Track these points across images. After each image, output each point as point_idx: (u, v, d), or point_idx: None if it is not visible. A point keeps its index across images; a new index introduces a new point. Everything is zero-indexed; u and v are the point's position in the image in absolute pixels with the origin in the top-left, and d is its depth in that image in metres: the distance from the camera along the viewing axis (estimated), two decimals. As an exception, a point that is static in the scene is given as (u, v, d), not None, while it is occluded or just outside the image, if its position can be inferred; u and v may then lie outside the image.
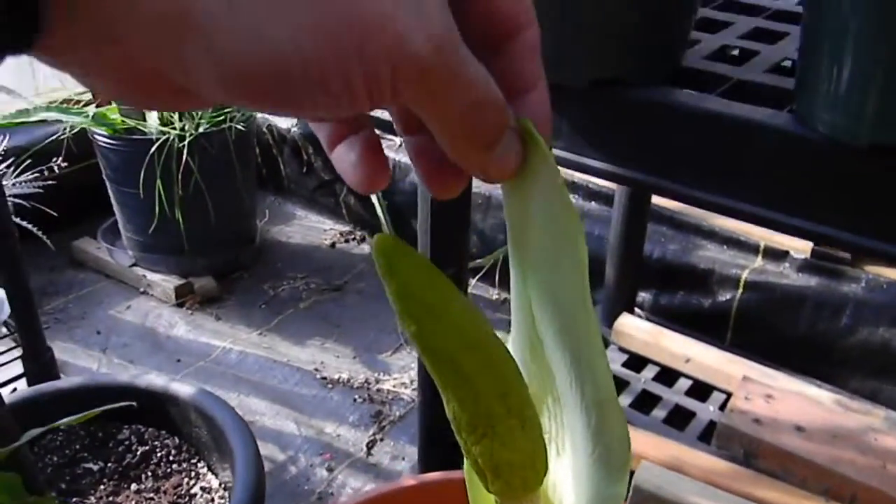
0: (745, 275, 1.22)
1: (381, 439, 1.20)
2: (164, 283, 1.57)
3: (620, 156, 0.55)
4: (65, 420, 0.63)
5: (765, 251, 1.24)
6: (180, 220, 1.48)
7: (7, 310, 1.15)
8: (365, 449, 1.18)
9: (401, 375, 1.35)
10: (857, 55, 0.43)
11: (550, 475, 0.41)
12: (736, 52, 0.60)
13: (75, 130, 1.49)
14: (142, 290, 1.60)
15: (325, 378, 1.34)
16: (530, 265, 0.33)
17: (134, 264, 1.61)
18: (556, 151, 0.58)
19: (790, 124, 0.49)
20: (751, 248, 1.25)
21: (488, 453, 0.33)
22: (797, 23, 0.52)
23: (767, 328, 1.21)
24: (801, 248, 1.22)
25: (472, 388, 0.31)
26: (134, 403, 0.71)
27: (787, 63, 0.58)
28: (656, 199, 1.26)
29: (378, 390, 1.31)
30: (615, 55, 0.54)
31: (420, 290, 0.30)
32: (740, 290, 1.23)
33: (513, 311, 0.39)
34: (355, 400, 1.29)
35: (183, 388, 0.86)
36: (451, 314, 0.30)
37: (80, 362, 1.39)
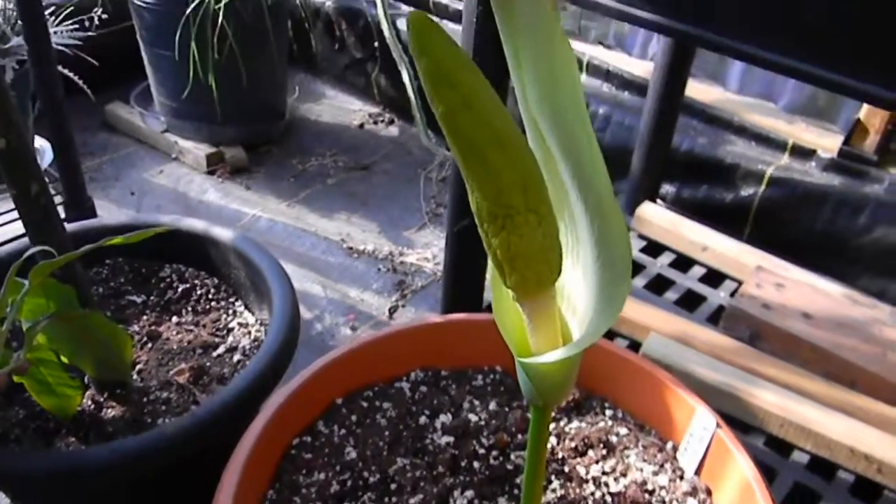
0: (770, 171, 1.24)
1: (403, 305, 1.26)
2: (196, 150, 1.60)
3: (669, 5, 0.56)
4: (118, 238, 0.67)
5: (792, 149, 1.25)
6: (213, 86, 1.49)
7: (50, 156, 1.19)
8: (387, 313, 1.24)
9: (423, 251, 1.39)
10: None
11: (566, 284, 0.45)
12: None
13: (111, -11, 1.48)
14: (174, 156, 1.63)
15: (350, 248, 1.39)
16: (528, 83, 0.34)
17: (166, 130, 1.64)
18: (604, 1, 0.59)
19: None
20: (779, 145, 1.26)
21: (506, 244, 0.36)
22: None
23: (786, 224, 1.23)
24: (828, 146, 1.22)
25: (495, 176, 0.33)
26: (182, 226, 0.75)
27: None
28: (690, 92, 1.26)
29: (401, 262, 1.35)
30: None
31: (451, 71, 0.31)
32: (763, 186, 1.24)
33: (527, 130, 0.40)
34: (379, 269, 1.34)
35: (223, 232, 0.90)
36: (480, 101, 0.32)
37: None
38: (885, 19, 0.49)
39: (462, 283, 0.94)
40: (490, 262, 0.42)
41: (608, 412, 0.69)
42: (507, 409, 0.69)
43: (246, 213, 1.49)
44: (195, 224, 0.91)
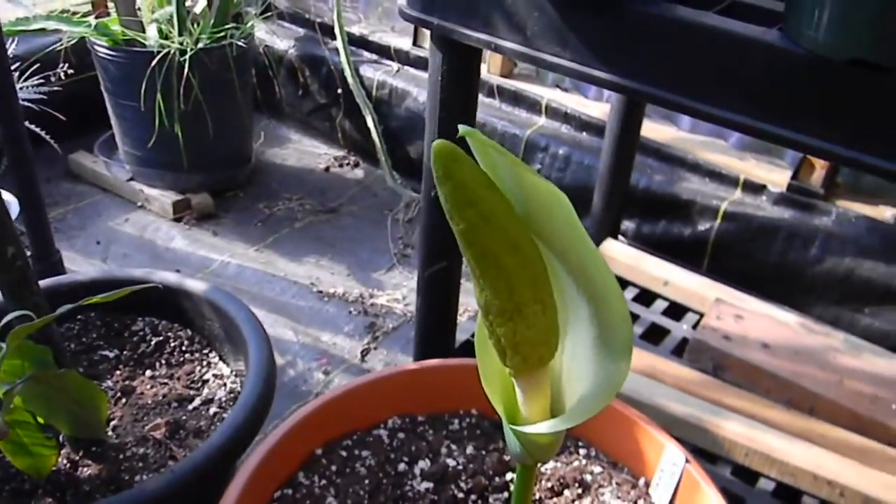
0: (724, 206, 1.29)
1: (375, 348, 1.27)
2: (162, 197, 1.60)
3: (623, 67, 0.60)
4: (96, 298, 0.68)
5: (744, 184, 1.30)
6: (179, 135, 1.50)
7: (16, 210, 1.19)
8: (359, 356, 1.25)
9: (394, 292, 1.41)
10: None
11: (563, 363, 0.46)
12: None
13: (74, 41, 1.49)
14: (139, 204, 1.63)
15: (320, 292, 1.40)
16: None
17: (131, 178, 1.64)
18: (564, 62, 0.62)
19: (780, 41, 0.54)
20: (731, 181, 1.32)
21: (511, 333, 0.38)
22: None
23: (742, 256, 1.28)
24: (777, 182, 1.28)
25: (509, 280, 0.37)
26: (160, 284, 0.76)
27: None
28: (645, 132, 1.31)
29: (372, 304, 1.37)
30: (625, -30, 0.58)
31: (473, 191, 0.34)
32: (719, 220, 1.29)
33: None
34: (350, 312, 1.35)
35: (196, 284, 0.91)
36: (497, 217, 0.35)
37: (82, 269, 1.43)
38: (823, 81, 0.53)
39: (434, 326, 0.96)
40: (478, 343, 0.44)
41: (582, 451, 0.71)
42: (483, 452, 0.70)
43: (214, 260, 1.49)
44: (168, 276, 0.92)
